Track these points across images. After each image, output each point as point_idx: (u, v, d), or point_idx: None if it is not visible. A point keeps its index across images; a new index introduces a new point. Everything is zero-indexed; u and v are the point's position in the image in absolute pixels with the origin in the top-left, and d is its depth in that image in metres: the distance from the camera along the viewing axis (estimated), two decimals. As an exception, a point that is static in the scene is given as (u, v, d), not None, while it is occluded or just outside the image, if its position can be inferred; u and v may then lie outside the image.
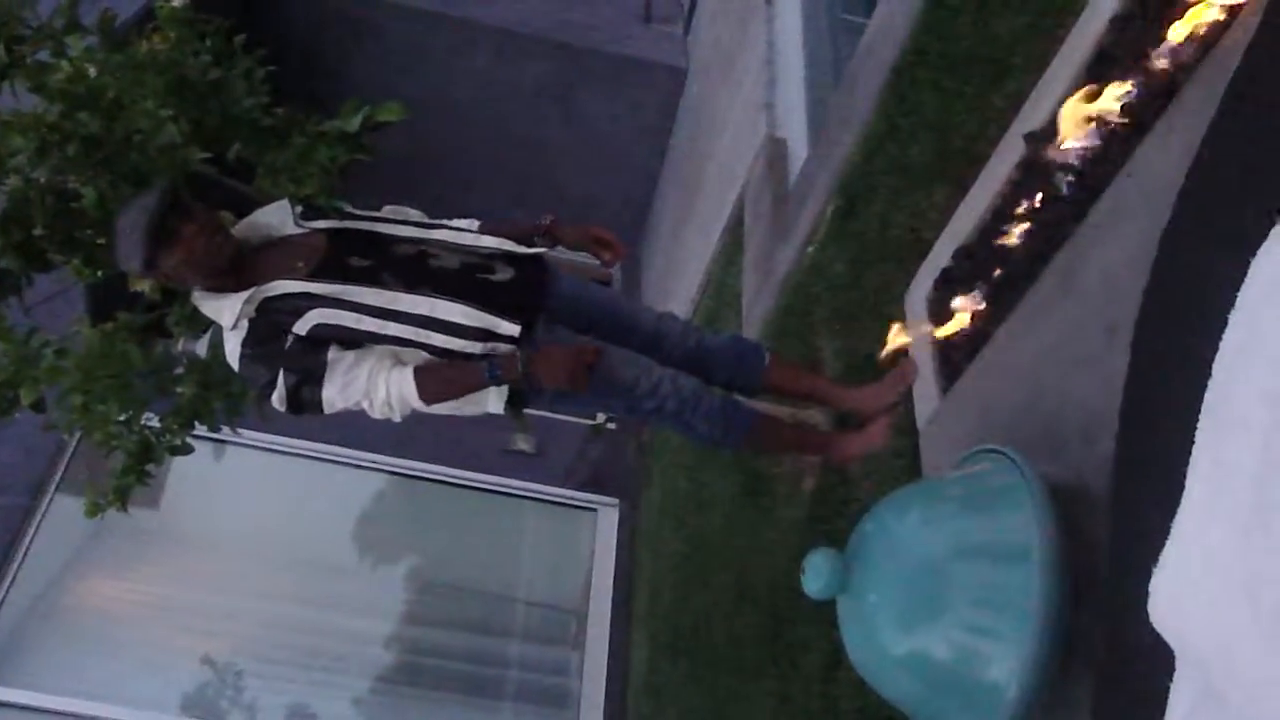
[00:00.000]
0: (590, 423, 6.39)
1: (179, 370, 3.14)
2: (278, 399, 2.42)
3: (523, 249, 2.58)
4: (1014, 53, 2.56)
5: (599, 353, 2.47)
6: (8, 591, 5.08)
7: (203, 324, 3.08)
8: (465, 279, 2.48)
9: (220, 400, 3.15)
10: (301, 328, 2.37)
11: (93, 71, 2.79)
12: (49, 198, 2.81)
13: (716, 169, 6.07)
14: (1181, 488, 1.24)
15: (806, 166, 4.19)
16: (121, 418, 3.00)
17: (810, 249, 3.81)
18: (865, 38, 3.65)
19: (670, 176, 7.88)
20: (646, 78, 7.67)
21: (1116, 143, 1.96)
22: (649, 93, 7.72)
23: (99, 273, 2.96)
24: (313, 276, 2.40)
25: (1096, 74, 2.10)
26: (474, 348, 2.42)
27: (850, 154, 3.51)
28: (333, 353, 2.38)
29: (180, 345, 3.22)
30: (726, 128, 5.94)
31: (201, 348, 3.30)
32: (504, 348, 2.43)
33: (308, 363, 2.38)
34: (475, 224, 2.65)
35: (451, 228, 2.60)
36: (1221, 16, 1.79)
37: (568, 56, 7.63)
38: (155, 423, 3.14)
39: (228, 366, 3.12)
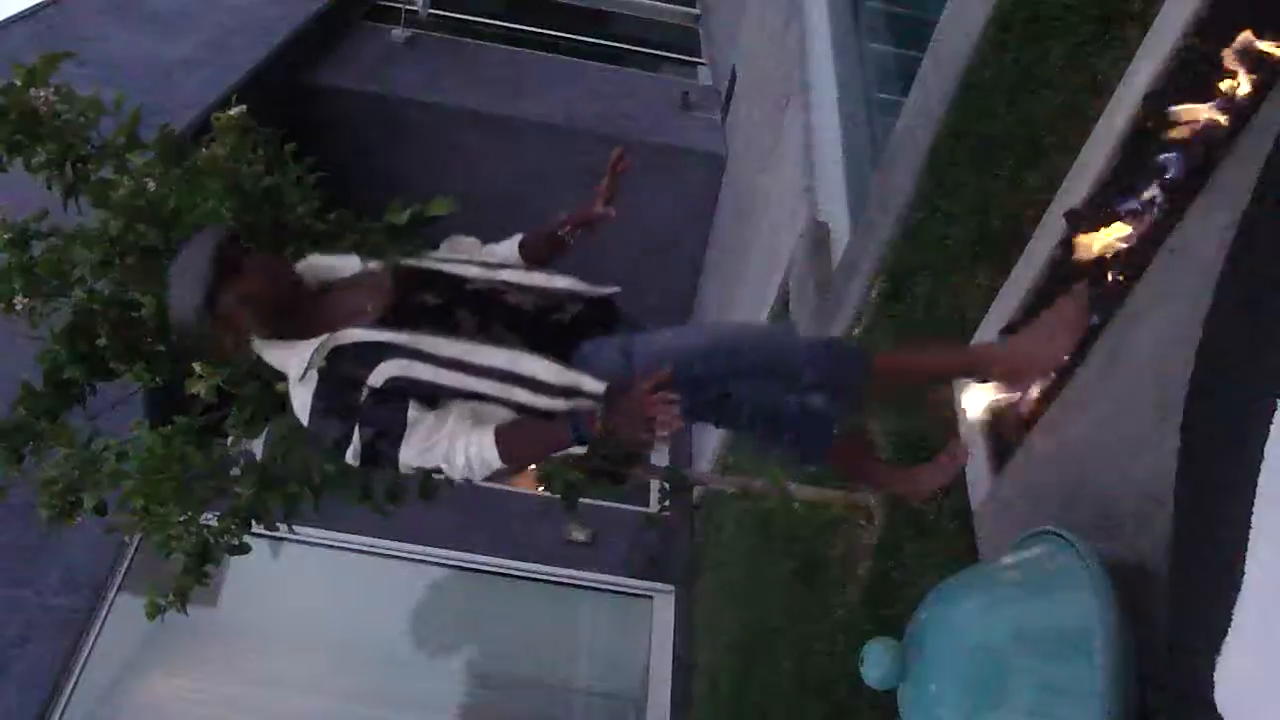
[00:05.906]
0: (644, 511, 6.38)
1: (236, 471, 3.18)
2: (352, 454, 2.27)
3: (593, 290, 2.49)
4: (1049, 132, 2.57)
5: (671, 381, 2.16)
6: (73, 690, 5.13)
7: (259, 426, 3.13)
8: (539, 323, 2.36)
9: (278, 500, 3.17)
10: (376, 380, 2.22)
11: (152, 185, 2.87)
12: (112, 309, 2.89)
13: (760, 253, 6.10)
14: (1240, 565, 1.22)
15: (849, 249, 4.20)
16: (181, 518, 3.04)
17: (856, 331, 3.81)
18: (901, 120, 3.67)
19: (715, 261, 7.93)
20: (687, 164, 7.78)
21: (1159, 220, 1.97)
22: (690, 179, 7.83)
23: (158, 379, 3.02)
24: (383, 322, 2.28)
25: (1132, 151, 2.11)
26: (559, 405, 2.28)
27: (892, 236, 3.53)
28: (413, 412, 2.23)
29: (238, 446, 3.25)
30: (768, 211, 5.98)
31: (258, 448, 3.35)
32: (587, 404, 2.28)
33: (385, 418, 2.23)
34: (517, 239, 2.63)
35: (515, 267, 2.52)
36: (1253, 90, 1.81)
37: (612, 147, 7.76)
38: (213, 522, 3.17)
39: (284, 463, 3.16)
